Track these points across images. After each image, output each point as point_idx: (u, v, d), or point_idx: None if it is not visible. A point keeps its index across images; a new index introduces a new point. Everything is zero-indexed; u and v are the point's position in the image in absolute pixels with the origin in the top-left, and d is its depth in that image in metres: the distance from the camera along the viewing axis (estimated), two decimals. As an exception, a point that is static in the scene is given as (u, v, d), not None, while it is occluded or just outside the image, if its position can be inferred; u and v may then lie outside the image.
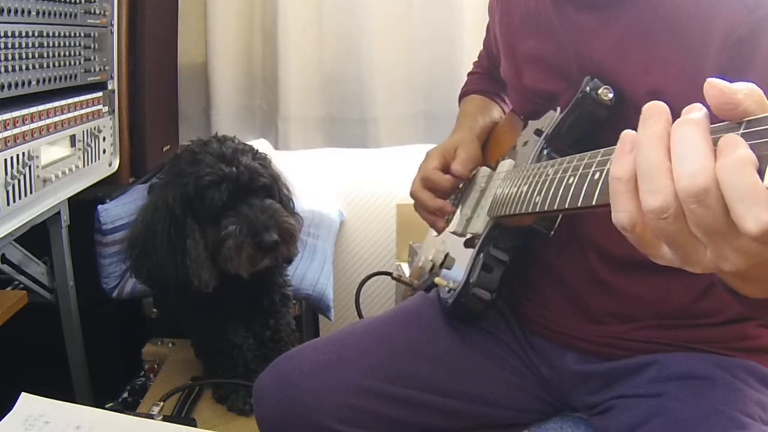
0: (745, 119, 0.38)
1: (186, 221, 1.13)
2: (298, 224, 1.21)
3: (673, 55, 0.71)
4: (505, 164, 0.87)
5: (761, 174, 0.36)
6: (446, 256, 0.97)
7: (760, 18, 0.66)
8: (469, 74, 1.19)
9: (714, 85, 0.39)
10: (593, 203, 0.49)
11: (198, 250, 1.12)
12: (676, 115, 0.42)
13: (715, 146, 0.39)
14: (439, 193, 0.97)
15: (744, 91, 0.38)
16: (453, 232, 0.94)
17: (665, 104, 0.43)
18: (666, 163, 0.40)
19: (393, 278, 1.20)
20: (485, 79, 1.13)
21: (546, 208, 0.60)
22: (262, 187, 1.16)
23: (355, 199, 1.99)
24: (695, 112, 0.40)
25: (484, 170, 0.94)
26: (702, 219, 0.39)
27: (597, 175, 0.51)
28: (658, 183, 0.40)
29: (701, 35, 0.69)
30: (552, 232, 0.80)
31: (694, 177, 0.38)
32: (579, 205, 0.53)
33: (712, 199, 0.38)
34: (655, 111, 0.43)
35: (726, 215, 0.38)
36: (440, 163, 0.97)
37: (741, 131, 0.38)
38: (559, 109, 0.80)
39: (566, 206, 0.55)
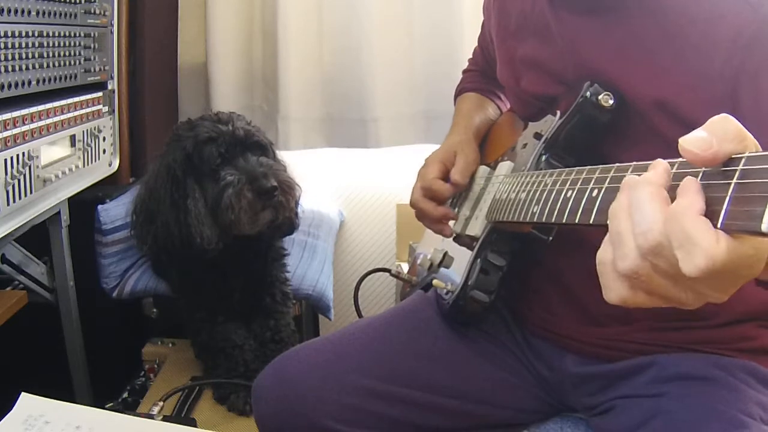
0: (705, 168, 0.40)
1: (186, 181, 1.17)
2: (296, 184, 1.24)
3: (678, 60, 0.70)
4: (504, 166, 0.87)
5: (710, 215, 0.38)
6: (445, 254, 0.97)
7: (767, 15, 0.65)
8: (464, 72, 1.18)
9: (686, 149, 0.40)
10: (590, 221, 0.49)
11: (198, 207, 1.16)
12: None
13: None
14: (440, 201, 0.96)
15: (717, 135, 0.39)
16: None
17: (634, 177, 0.45)
18: (630, 228, 0.43)
19: (391, 274, 1.20)
20: (480, 77, 1.13)
21: (543, 220, 0.60)
22: (258, 145, 1.22)
23: (355, 199, 1.99)
24: (651, 171, 0.43)
25: (483, 169, 0.94)
26: (665, 269, 0.41)
27: (595, 192, 0.51)
28: (626, 247, 0.43)
29: (707, 38, 0.68)
30: (550, 238, 0.79)
31: (645, 235, 0.42)
32: (576, 221, 0.53)
33: (666, 250, 0.41)
34: (624, 185, 0.45)
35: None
36: (440, 171, 0.96)
37: (701, 171, 0.40)
38: (558, 113, 0.80)
39: (564, 221, 0.55)
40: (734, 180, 0.38)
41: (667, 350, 0.81)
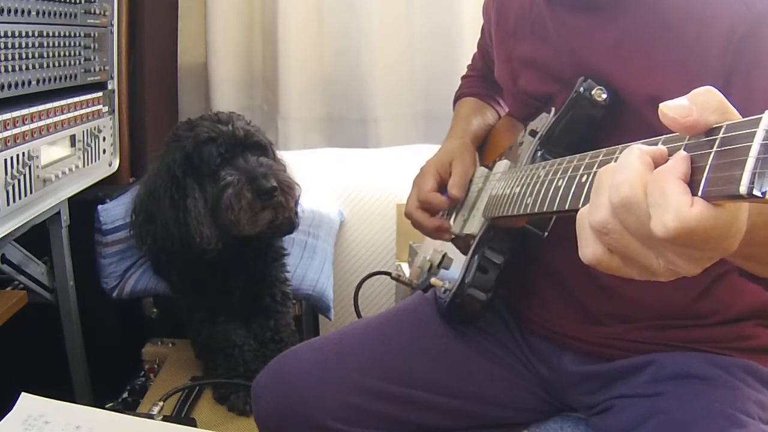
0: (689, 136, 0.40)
1: (186, 181, 1.17)
2: (295, 184, 1.25)
3: (672, 58, 0.70)
4: (501, 165, 0.87)
5: (692, 184, 0.38)
6: (444, 256, 0.97)
7: (760, 13, 0.65)
8: (463, 77, 1.19)
9: (666, 114, 0.40)
10: (580, 206, 0.49)
11: (198, 207, 1.16)
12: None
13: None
14: (436, 212, 0.96)
15: (698, 104, 0.40)
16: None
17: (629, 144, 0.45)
18: (608, 182, 0.43)
19: (392, 278, 1.20)
20: (479, 82, 1.13)
21: (536, 210, 0.60)
22: (257, 145, 1.22)
23: (355, 199, 1.99)
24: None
25: (481, 170, 0.94)
26: (637, 228, 0.41)
27: (584, 178, 0.51)
28: (599, 200, 0.44)
29: (700, 36, 0.68)
30: (546, 233, 0.79)
31: (618, 188, 0.41)
32: (566, 208, 0.53)
33: (637, 207, 0.41)
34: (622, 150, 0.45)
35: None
36: (436, 182, 0.96)
37: (684, 144, 0.41)
38: (553, 110, 0.80)
39: (555, 209, 0.55)
40: (714, 148, 0.38)
41: (665, 349, 0.81)
